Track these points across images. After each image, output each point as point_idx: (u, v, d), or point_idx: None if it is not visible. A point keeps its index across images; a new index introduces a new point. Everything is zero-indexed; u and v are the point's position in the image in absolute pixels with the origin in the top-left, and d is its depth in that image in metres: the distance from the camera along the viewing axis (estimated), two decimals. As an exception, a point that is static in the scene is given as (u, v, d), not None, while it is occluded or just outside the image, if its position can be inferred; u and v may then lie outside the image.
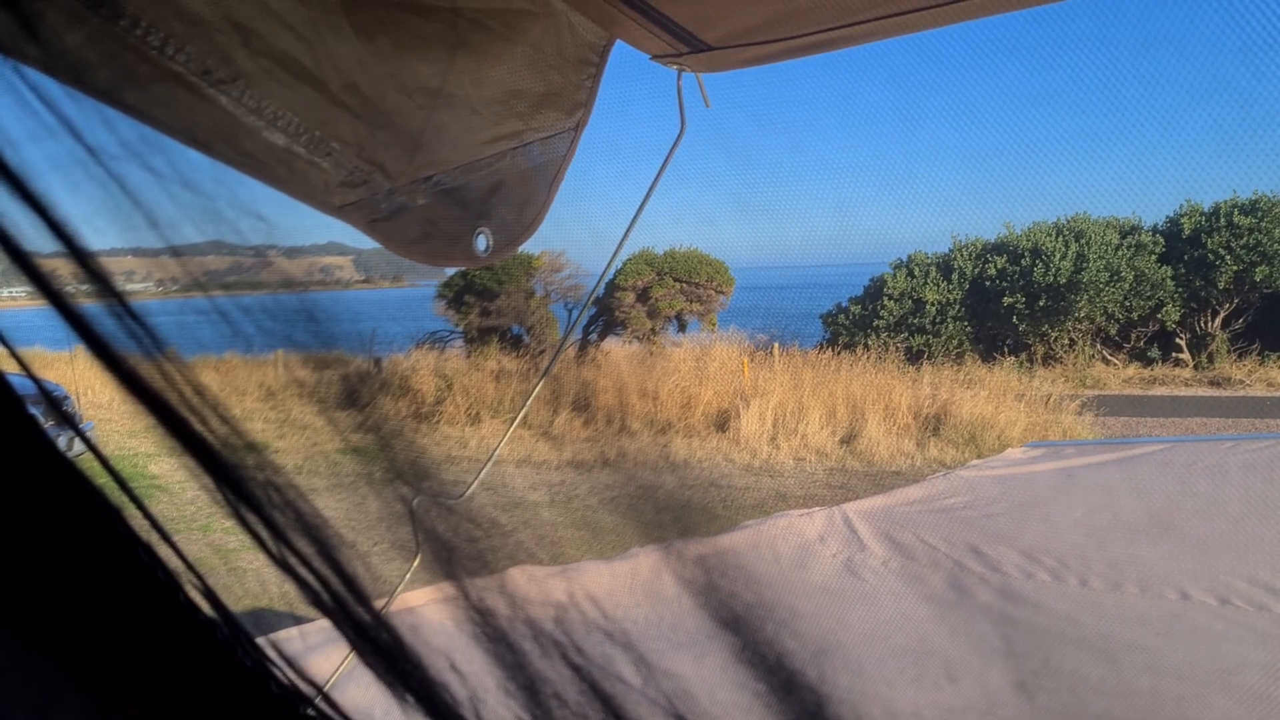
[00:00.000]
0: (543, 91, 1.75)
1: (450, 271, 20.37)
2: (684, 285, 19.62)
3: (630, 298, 19.45)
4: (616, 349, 19.02)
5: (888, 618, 2.74)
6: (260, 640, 0.63)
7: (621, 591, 2.63)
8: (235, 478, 0.62)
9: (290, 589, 0.64)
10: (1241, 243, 19.52)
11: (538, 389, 2.52)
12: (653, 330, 19.67)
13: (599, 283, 2.64)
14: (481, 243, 1.69)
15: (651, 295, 19.44)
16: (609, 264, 2.27)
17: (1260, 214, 19.74)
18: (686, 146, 2.12)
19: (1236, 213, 19.99)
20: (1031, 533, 3.12)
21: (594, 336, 20.02)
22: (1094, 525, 3.19)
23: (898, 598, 2.78)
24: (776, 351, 16.42)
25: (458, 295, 19.79)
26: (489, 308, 19.44)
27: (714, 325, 20.13)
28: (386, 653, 0.70)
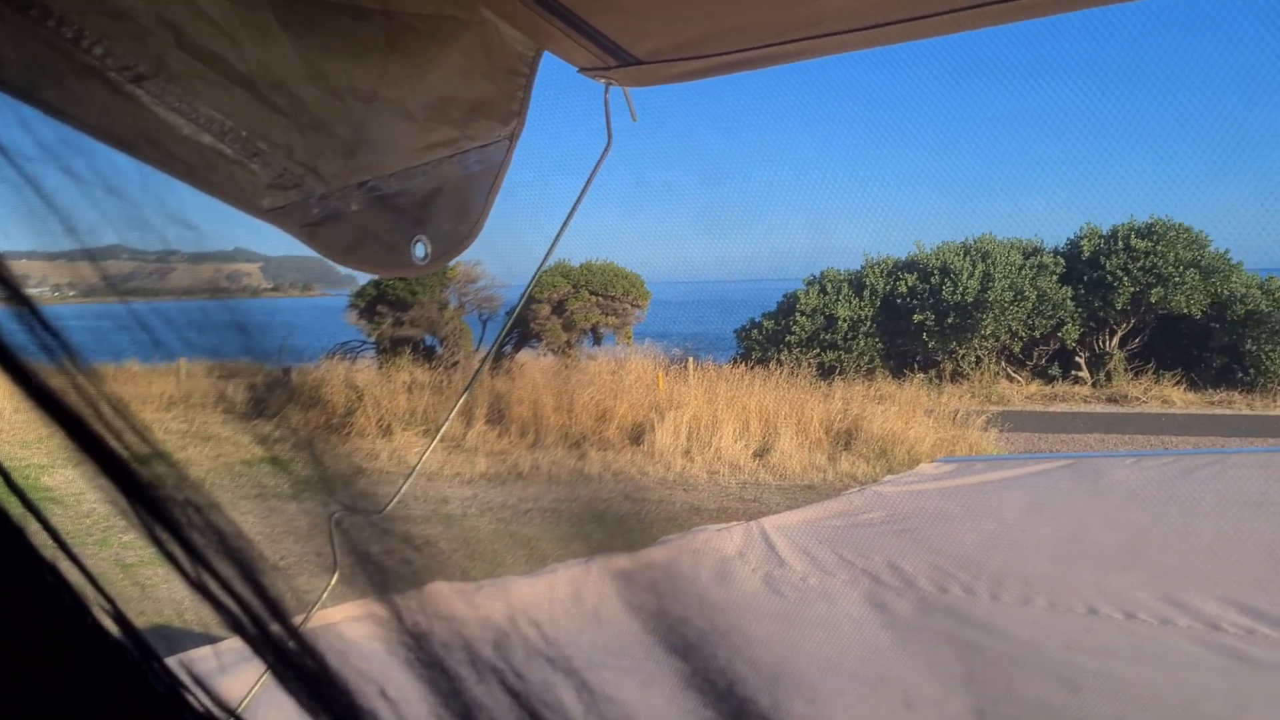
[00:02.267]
0: (476, 99, 1.72)
1: (363, 281, 20.06)
2: (600, 298, 19.62)
3: (546, 310, 19.39)
4: (531, 361, 18.92)
5: (846, 644, 2.74)
6: (171, 662, 0.59)
7: (545, 608, 2.59)
8: (150, 496, 0.59)
9: (207, 613, 0.61)
10: (1138, 265, 20.26)
11: (461, 400, 2.47)
12: (568, 343, 19.63)
13: (525, 294, 2.61)
14: (420, 250, 1.66)
15: (567, 308, 19.40)
16: (535, 276, 2.24)
17: (1156, 237, 20.53)
18: (616, 159, 2.11)
19: (1133, 236, 20.75)
20: (946, 547, 3.17)
21: (509, 349, 19.89)
22: (1006, 540, 3.25)
23: (856, 623, 2.78)
24: (691, 366, 16.50)
25: (370, 305, 19.49)
26: (402, 318, 19.18)
27: (630, 338, 20.16)
28: (309, 678, 0.66)
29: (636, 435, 13.88)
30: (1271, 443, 14.20)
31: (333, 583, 1.80)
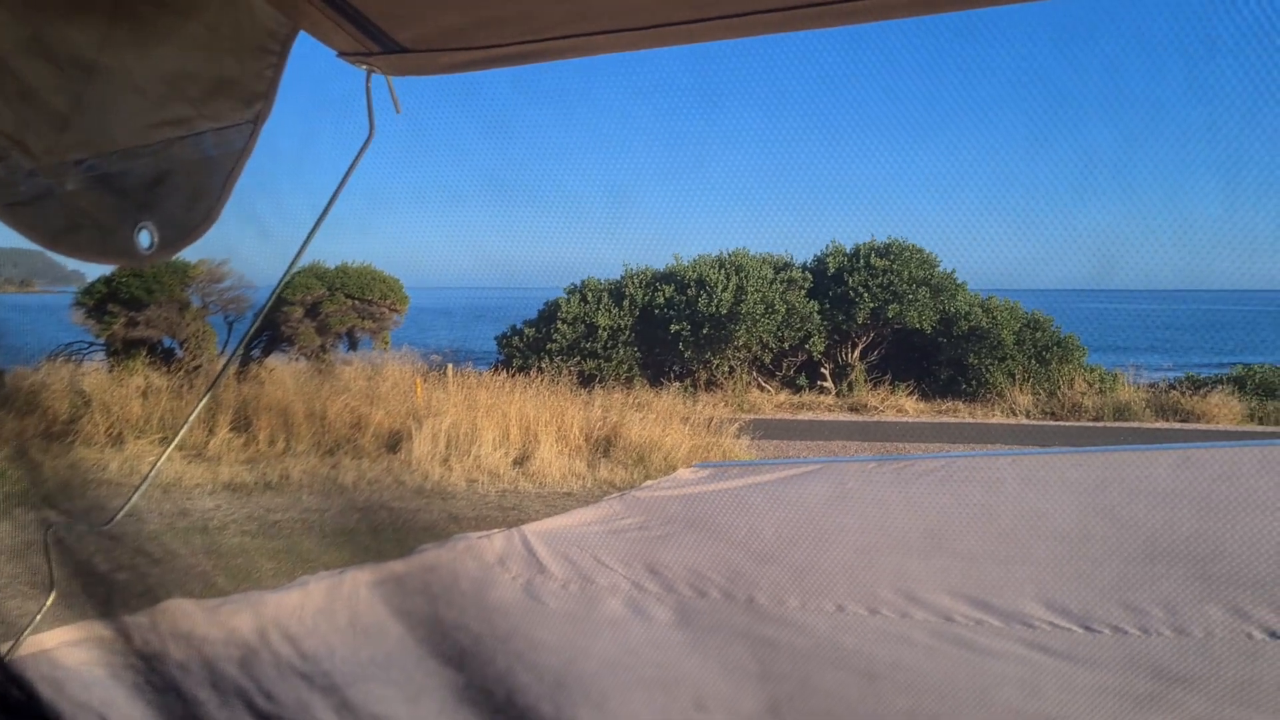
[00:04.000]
0: (217, 77, 1.59)
1: (92, 277, 18.56)
2: (356, 302, 18.99)
3: (298, 313, 18.56)
4: (282, 366, 18.06)
5: (636, 645, 2.71)
6: None
7: (299, 621, 2.43)
8: None
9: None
10: (877, 282, 21.66)
11: (201, 406, 2.29)
12: (322, 347, 18.88)
13: (274, 292, 2.45)
14: (145, 239, 1.50)
15: (322, 311, 18.66)
16: (286, 274, 2.11)
17: (893, 257, 22.03)
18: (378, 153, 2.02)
19: (873, 255, 22.18)
20: (703, 551, 3.23)
21: (257, 352, 18.92)
22: (762, 541, 3.35)
23: (647, 623, 2.76)
24: (451, 372, 16.25)
25: (100, 304, 18.00)
26: (137, 318, 17.84)
27: (387, 344, 19.63)
28: (17, 712, 0.57)
29: (393, 443, 13.52)
30: (990, 447, 15.47)
31: (49, 603, 1.61)
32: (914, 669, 2.60)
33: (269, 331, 18.90)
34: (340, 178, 2.08)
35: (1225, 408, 19.34)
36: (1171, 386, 21.57)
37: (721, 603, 2.94)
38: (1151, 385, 22.04)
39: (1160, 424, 18.93)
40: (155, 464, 2.08)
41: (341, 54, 1.86)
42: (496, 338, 23.82)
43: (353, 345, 19.56)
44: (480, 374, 17.09)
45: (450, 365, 16.95)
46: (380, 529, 10.06)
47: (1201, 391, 20.41)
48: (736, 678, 2.51)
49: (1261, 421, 19.13)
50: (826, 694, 2.42)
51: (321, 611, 2.53)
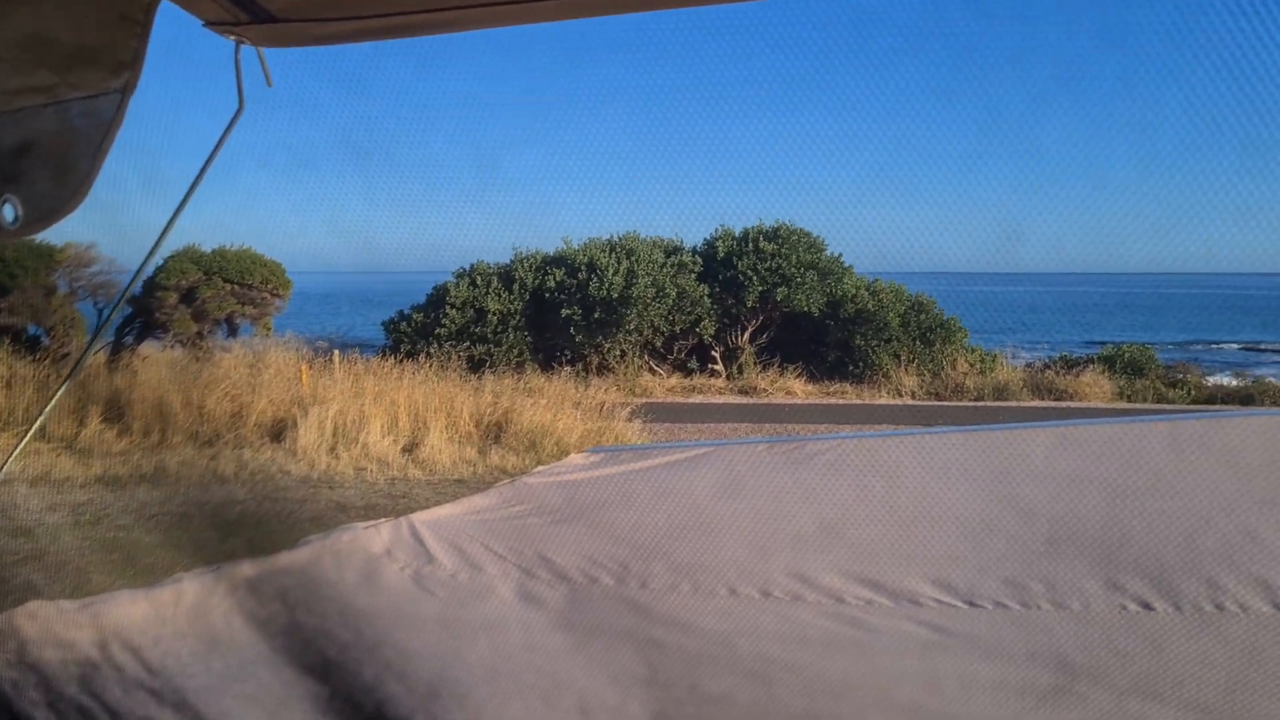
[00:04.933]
0: (80, 44, 1.48)
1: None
2: (235, 287, 18.40)
3: (173, 298, 17.89)
4: (157, 354, 17.39)
5: (513, 649, 2.63)
6: None
7: (167, 629, 2.31)
8: None
9: None
10: (765, 266, 21.92)
11: (58, 397, 2.16)
12: (199, 334, 18.25)
13: (137, 273, 2.32)
14: (9, 212, 1.40)
15: (198, 296, 18.03)
16: (150, 253, 1.99)
17: (780, 241, 22.32)
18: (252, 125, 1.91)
19: (761, 239, 22.44)
20: (596, 536, 3.19)
21: (130, 340, 18.18)
22: (654, 525, 3.33)
23: (538, 613, 2.69)
24: (337, 359, 15.88)
25: (-43, 289, 17.08)
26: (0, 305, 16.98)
27: (269, 330, 19.09)
28: None
29: (277, 432, 13.16)
30: (878, 428, 15.84)
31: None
32: (809, 669, 2.59)
33: (142, 318, 18.18)
34: (208, 154, 1.98)
35: (1096, 386, 20.18)
36: (1046, 366, 22.41)
37: (614, 589, 2.90)
38: (1028, 365, 22.87)
39: (1036, 403, 19.65)
40: (5, 462, 1.95)
41: (208, 23, 1.76)
42: (384, 323, 23.38)
43: (232, 332, 18.96)
44: (368, 360, 16.74)
45: (337, 351, 16.56)
46: (264, 520, 9.77)
47: (1074, 371, 21.25)
48: (623, 683, 2.48)
49: (1130, 399, 20.02)
50: (718, 699, 2.41)
51: (184, 616, 2.41)
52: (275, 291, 18.94)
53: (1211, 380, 21.97)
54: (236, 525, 9.38)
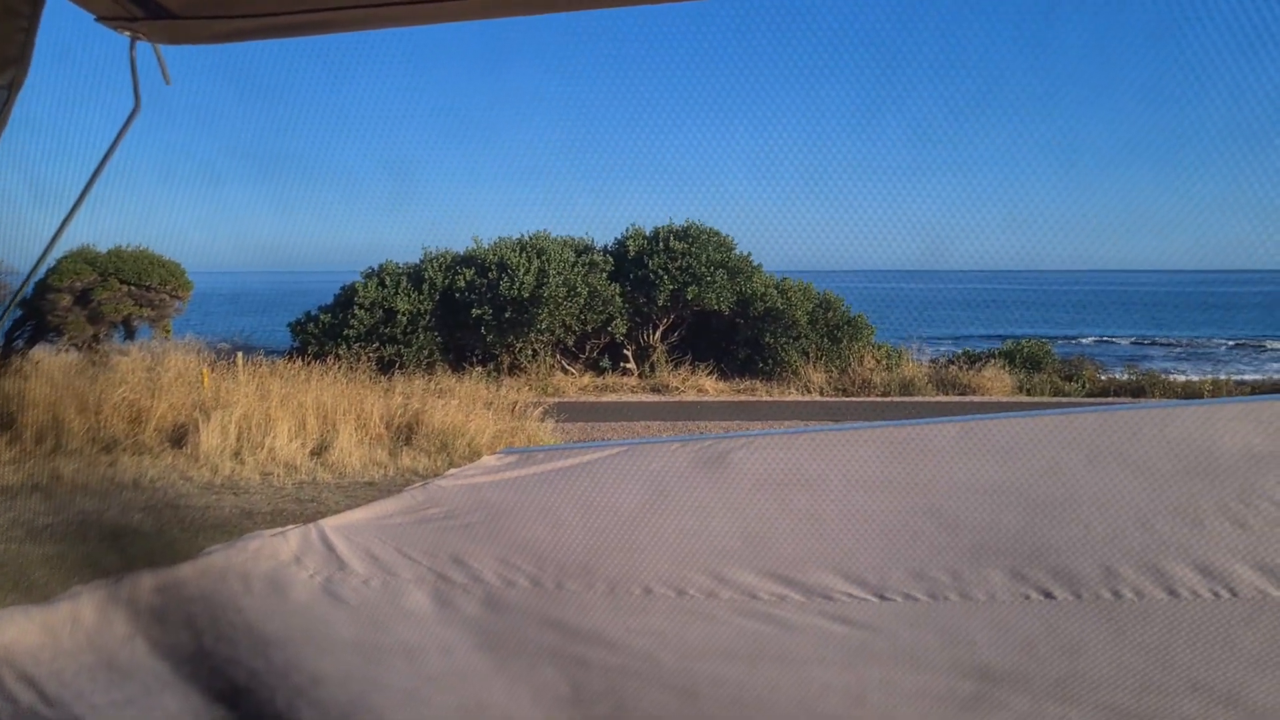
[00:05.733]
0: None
1: None
2: (133, 288, 17.82)
3: (67, 300, 17.26)
4: (49, 358, 16.75)
5: (433, 671, 2.57)
6: None
7: (64, 653, 2.20)
8: None
9: None
10: (676, 264, 22.03)
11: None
12: (95, 337, 17.64)
13: (29, 277, 2.23)
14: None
15: (94, 298, 17.42)
16: (43, 255, 1.91)
17: (690, 240, 22.47)
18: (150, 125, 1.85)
19: (672, 238, 22.56)
20: (511, 539, 3.17)
21: (20, 343, 17.48)
22: (569, 526, 3.32)
23: (447, 652, 2.63)
24: (241, 361, 15.49)
25: None
26: (-125, 307, 16.17)
27: (169, 332, 18.54)
28: None
29: (178, 437, 12.78)
30: (788, 425, 16.03)
31: None
32: (735, 683, 2.60)
33: (33, 321, 17.50)
34: (104, 153, 1.91)
35: (998, 380, 20.74)
36: (950, 362, 22.95)
37: (530, 591, 2.89)
38: (933, 361, 23.40)
39: (941, 398, 20.11)
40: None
41: (101, 18, 1.70)
42: (290, 324, 22.89)
43: (130, 335, 18.37)
44: (273, 362, 16.37)
45: (240, 353, 16.16)
46: (166, 529, 9.49)
47: (977, 366, 21.80)
48: (547, 702, 2.45)
49: (1029, 393, 20.61)
50: (644, 717, 2.40)
51: (83, 638, 2.32)
52: (175, 293, 18.40)
53: (1104, 376, 22.74)
54: (136, 535, 9.10)
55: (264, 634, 2.63)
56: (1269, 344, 45.21)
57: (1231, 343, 46.16)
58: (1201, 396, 19.30)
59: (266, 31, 1.70)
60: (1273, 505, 3.05)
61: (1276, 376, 26.44)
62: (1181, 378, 23.08)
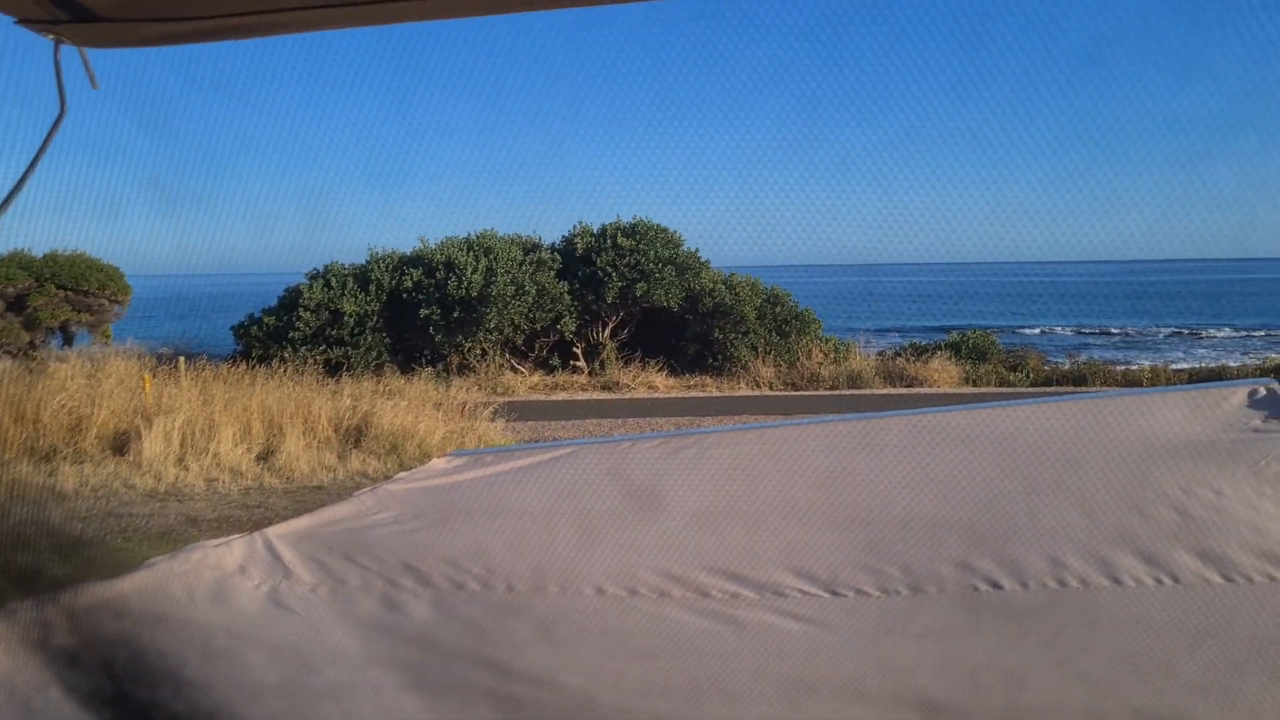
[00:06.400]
0: None
1: None
2: (70, 293, 17.46)
3: (0, 306, 16.86)
4: (-15, 366, 16.36)
5: (380, 681, 2.52)
6: None
7: (7, 659, 2.13)
8: None
9: None
10: (625, 261, 22.02)
11: None
12: (31, 344, 17.25)
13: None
14: None
15: (29, 304, 17.03)
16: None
17: (639, 236, 22.46)
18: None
19: (620, 235, 22.53)
20: (461, 543, 3.14)
21: (-45, 351, 17.06)
22: (519, 528, 3.30)
23: (376, 691, 2.57)
24: (184, 365, 15.23)
25: None
26: None
27: (109, 337, 18.18)
28: None
29: (120, 445, 12.54)
30: (739, 419, 16.09)
31: None
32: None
33: (-34, 328, 17.09)
34: (31, 158, 1.86)
35: (944, 372, 20.98)
36: (897, 354, 23.19)
37: (481, 596, 2.86)
38: (880, 353, 23.62)
39: (888, 390, 20.32)
40: None
41: (23, 21, 1.65)
42: (234, 327, 22.52)
43: (68, 340, 18.01)
44: (217, 367, 16.12)
45: (183, 358, 15.89)
46: (106, 540, 9.30)
47: (924, 358, 22.05)
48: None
49: (975, 384, 20.89)
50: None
51: (31, 645, 2.25)
52: (114, 297, 18.06)
53: (1048, 366, 23.13)
54: (77, 545, 8.90)
55: (208, 646, 2.58)
56: (1203, 332, 46.48)
57: (1168, 330, 47.37)
58: (1141, 384, 19.71)
59: (195, 35, 1.67)
60: (1211, 492, 3.11)
61: (1209, 364, 27.09)
62: (1122, 366, 23.52)
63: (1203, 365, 26.54)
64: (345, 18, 1.59)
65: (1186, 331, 46.93)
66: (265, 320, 21.77)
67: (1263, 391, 3.64)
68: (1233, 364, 24.96)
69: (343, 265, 22.67)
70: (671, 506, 3.36)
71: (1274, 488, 3.10)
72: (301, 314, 21.15)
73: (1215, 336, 44.89)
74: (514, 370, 21.83)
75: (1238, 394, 3.65)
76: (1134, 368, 23.20)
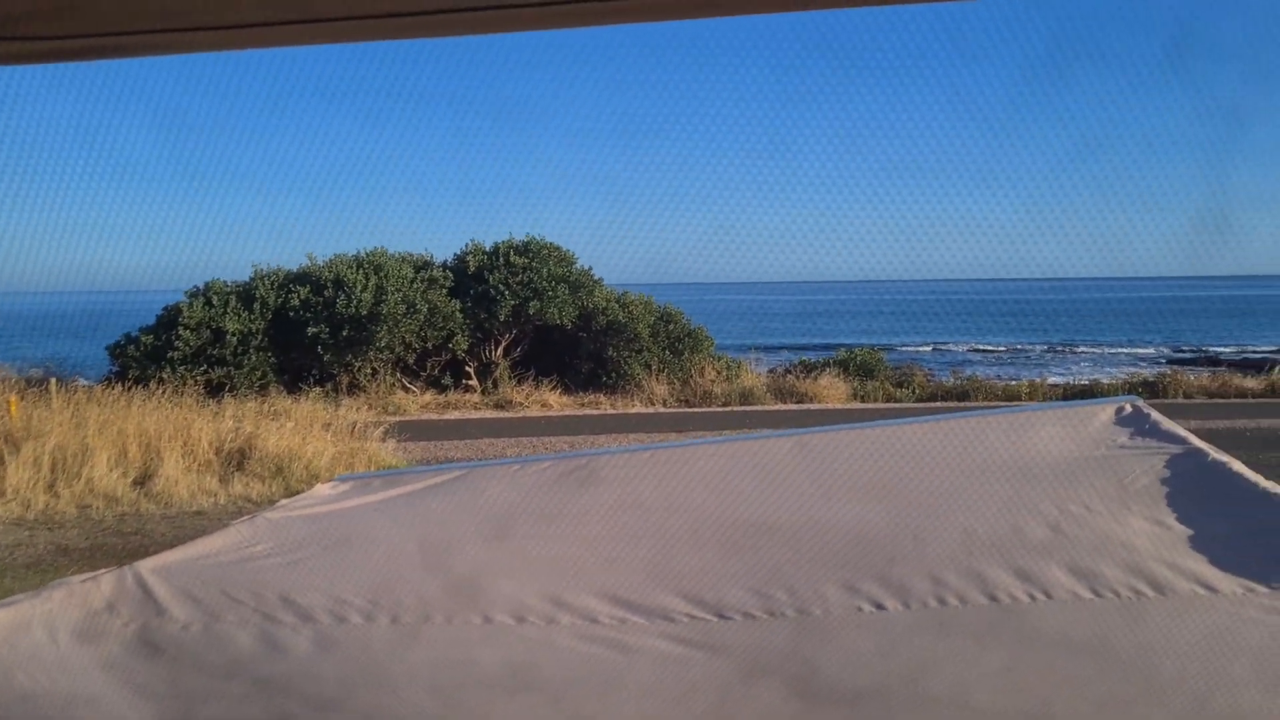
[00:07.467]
0: None
1: None
2: (-69, 311, 16.55)
3: None
4: None
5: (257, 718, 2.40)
6: None
7: None
8: None
9: None
10: (517, 280, 21.92)
11: None
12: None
13: None
14: None
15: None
16: None
17: (531, 254, 22.39)
18: None
19: (512, 253, 22.44)
20: (344, 573, 3.06)
21: None
22: (406, 557, 3.23)
23: (280, 660, 2.47)
24: (54, 387, 14.57)
25: None
26: None
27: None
28: None
29: (-16, 472, 11.93)
30: (632, 439, 16.11)
31: None
32: None
33: None
34: None
35: (833, 389, 21.39)
36: (788, 371, 23.56)
37: (364, 629, 2.79)
38: (771, 370, 23.97)
39: (780, 406, 20.61)
40: None
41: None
42: (108, 347, 21.63)
43: (-72, 362, 17.06)
44: (91, 388, 15.46)
45: (54, 380, 15.19)
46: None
47: (813, 375, 22.45)
48: None
49: (863, 400, 21.35)
50: None
51: None
52: (-22, 316, 17.18)
53: (933, 382, 23.76)
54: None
55: (71, 691, 2.45)
56: (1078, 348, 48.65)
57: (1044, 347, 49.39)
58: (1019, 399, 20.40)
59: (65, 55, 1.59)
60: (1083, 509, 3.22)
61: (1081, 379, 28.28)
62: (1001, 382, 24.31)
63: (1075, 380, 27.65)
64: (247, 39, 1.54)
65: (1062, 348, 49.10)
66: (143, 340, 20.97)
67: (1128, 409, 3.80)
68: (1104, 379, 26.03)
69: (225, 283, 22.01)
70: (559, 532, 3.33)
71: (1139, 503, 3.22)
72: (181, 333, 20.44)
73: (1090, 353, 47.04)
74: (406, 389, 21.48)
75: (1106, 411, 3.80)
76: (1013, 383, 23.99)
